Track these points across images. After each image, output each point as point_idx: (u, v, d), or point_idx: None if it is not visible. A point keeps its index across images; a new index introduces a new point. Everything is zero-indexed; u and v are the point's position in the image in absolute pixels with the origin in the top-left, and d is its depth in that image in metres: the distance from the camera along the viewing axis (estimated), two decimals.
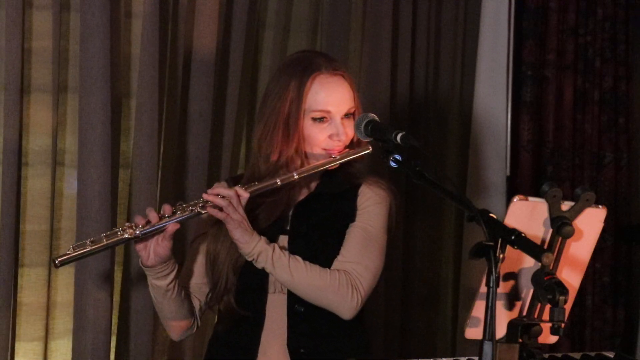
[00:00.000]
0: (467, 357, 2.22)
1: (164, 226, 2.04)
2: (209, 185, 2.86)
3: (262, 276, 2.11)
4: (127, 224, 2.03)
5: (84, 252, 1.99)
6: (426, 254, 3.42)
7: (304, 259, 2.08)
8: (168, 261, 2.09)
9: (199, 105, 2.83)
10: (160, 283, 2.10)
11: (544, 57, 3.58)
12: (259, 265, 2.06)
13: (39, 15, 2.59)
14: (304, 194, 2.21)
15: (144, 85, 2.66)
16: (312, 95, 2.13)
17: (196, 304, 2.23)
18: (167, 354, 2.84)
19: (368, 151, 2.16)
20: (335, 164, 2.15)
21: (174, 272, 2.11)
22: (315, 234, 2.14)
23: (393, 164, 1.94)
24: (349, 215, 2.15)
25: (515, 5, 3.50)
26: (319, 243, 2.13)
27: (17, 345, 2.60)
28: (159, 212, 2.05)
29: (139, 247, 2.07)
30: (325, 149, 2.14)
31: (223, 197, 2.04)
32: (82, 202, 2.58)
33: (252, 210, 2.10)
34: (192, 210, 2.04)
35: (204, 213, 2.05)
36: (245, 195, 2.05)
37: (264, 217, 2.14)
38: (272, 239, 2.11)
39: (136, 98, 2.69)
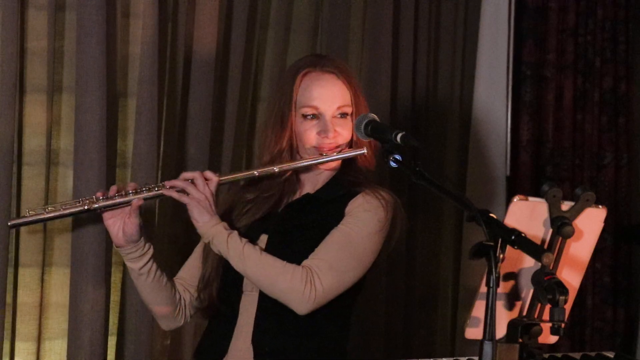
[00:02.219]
0: (467, 357, 2.22)
1: (127, 201, 2.07)
2: None
3: (239, 274, 2.11)
4: (87, 198, 2.07)
5: (40, 218, 2.04)
6: (426, 254, 3.41)
7: (280, 258, 2.07)
8: (138, 242, 2.12)
9: (199, 105, 2.83)
10: (133, 265, 2.14)
11: (543, 57, 3.58)
12: (215, 249, 2.07)
13: (35, 15, 2.58)
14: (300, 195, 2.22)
15: (143, 85, 2.65)
16: (302, 91, 2.15)
17: (186, 297, 2.25)
18: (166, 355, 2.84)
19: (362, 152, 2.15)
20: (322, 162, 2.14)
21: (147, 257, 2.14)
22: (296, 235, 2.13)
23: (393, 164, 1.94)
24: (335, 220, 2.13)
25: (515, 5, 3.50)
26: (297, 244, 2.11)
27: (12, 344, 2.60)
28: (124, 189, 2.09)
29: (108, 223, 2.12)
30: (315, 147, 2.14)
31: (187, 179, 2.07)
32: None
33: (243, 205, 2.14)
34: (157, 190, 2.08)
35: (167, 196, 2.08)
36: (213, 178, 2.08)
37: (252, 213, 2.17)
38: (254, 237, 2.12)
39: (136, 98, 2.69)
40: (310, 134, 2.14)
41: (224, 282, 2.17)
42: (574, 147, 3.64)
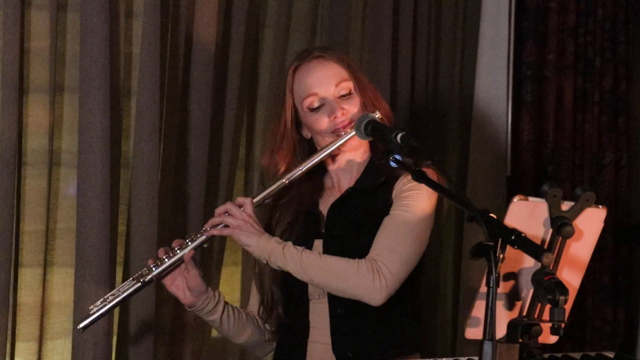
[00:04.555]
0: (467, 357, 2.22)
1: (179, 259, 2.05)
2: (209, 185, 2.86)
3: (302, 285, 2.11)
4: (140, 272, 2.06)
5: (105, 311, 2.03)
6: (426, 254, 3.40)
7: None
8: (206, 294, 2.10)
9: (199, 105, 2.83)
10: (211, 318, 2.13)
11: (544, 57, 3.58)
12: (275, 265, 2.05)
13: (37, 15, 2.58)
14: (342, 189, 2.19)
15: (144, 85, 2.65)
16: (296, 86, 2.15)
17: (260, 321, 2.25)
18: (168, 356, 2.84)
19: (352, 134, 2.11)
20: (337, 146, 2.12)
21: (222, 304, 2.13)
22: (350, 234, 2.11)
23: (393, 164, 1.94)
24: (384, 210, 2.10)
25: (515, 5, 3.50)
26: (354, 243, 2.09)
27: (14, 345, 2.60)
28: (170, 249, 2.08)
29: (172, 288, 2.10)
30: (331, 132, 2.13)
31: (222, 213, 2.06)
32: (82, 203, 2.57)
33: (280, 212, 2.15)
34: (200, 236, 2.06)
35: (213, 236, 2.07)
36: (245, 201, 2.06)
37: (294, 221, 2.15)
38: (308, 244, 2.10)
39: (136, 98, 2.69)
40: (320, 121, 2.13)
41: (287, 297, 2.16)
42: (574, 147, 3.65)
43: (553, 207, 1.79)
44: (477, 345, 1.60)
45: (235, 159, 2.96)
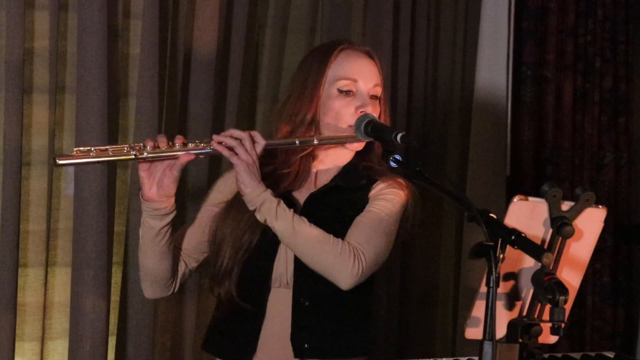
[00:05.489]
0: (467, 357, 2.22)
1: (175, 155, 1.97)
2: (209, 185, 2.86)
3: (266, 270, 2.08)
4: (136, 144, 1.95)
5: (87, 161, 1.94)
6: (426, 253, 3.41)
7: None
8: (168, 199, 2.03)
9: (199, 105, 2.83)
10: (155, 223, 2.03)
11: (543, 57, 3.58)
12: (262, 218, 1.99)
13: (39, 15, 2.58)
14: (318, 185, 2.18)
15: (143, 85, 2.66)
16: (339, 65, 2.12)
17: (181, 267, 2.17)
18: (167, 354, 2.84)
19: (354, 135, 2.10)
20: (358, 142, 2.10)
21: (171, 217, 2.05)
22: (324, 226, 2.06)
23: (393, 164, 1.94)
24: (360, 207, 2.10)
25: (515, 6, 3.51)
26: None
27: (17, 345, 2.60)
28: (171, 142, 1.99)
29: (144, 173, 2.00)
30: (349, 126, 2.10)
31: (236, 138, 1.99)
32: (79, 203, 2.57)
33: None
34: (204, 146, 1.99)
35: (217, 152, 1.99)
36: (261, 141, 2.00)
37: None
38: None
39: (136, 98, 2.69)
40: (347, 111, 2.10)
41: (247, 279, 2.10)
42: (574, 147, 3.65)
43: (553, 207, 1.79)
44: (477, 345, 1.60)
45: None
